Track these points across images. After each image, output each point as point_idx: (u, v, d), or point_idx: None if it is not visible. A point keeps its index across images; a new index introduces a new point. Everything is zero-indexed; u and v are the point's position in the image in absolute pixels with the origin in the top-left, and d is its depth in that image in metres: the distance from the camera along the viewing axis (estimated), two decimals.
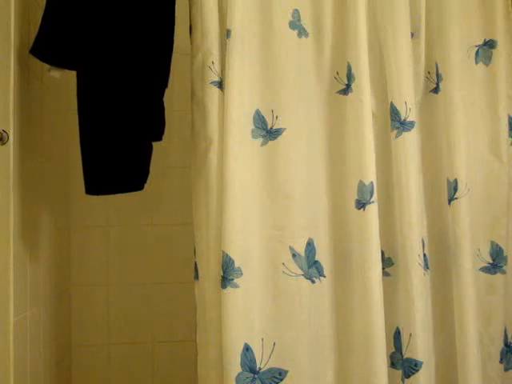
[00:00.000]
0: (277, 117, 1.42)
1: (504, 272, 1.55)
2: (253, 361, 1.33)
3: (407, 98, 1.46)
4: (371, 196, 1.41)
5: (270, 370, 1.35)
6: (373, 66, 1.48)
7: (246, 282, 1.33)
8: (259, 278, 1.37)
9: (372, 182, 1.41)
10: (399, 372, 1.44)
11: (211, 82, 1.39)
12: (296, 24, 1.45)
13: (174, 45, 1.45)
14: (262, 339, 1.35)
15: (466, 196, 1.49)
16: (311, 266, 1.41)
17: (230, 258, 1.32)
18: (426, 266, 1.47)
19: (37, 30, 1.30)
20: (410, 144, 1.46)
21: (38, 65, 1.52)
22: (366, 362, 1.37)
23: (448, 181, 1.50)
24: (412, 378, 1.40)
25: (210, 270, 1.38)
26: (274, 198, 1.40)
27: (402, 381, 1.42)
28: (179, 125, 1.95)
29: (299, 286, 1.39)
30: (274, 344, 1.36)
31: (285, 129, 1.42)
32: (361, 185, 1.42)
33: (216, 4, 1.41)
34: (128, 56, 1.35)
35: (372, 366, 1.36)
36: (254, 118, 1.41)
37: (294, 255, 1.39)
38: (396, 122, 1.46)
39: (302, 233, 1.42)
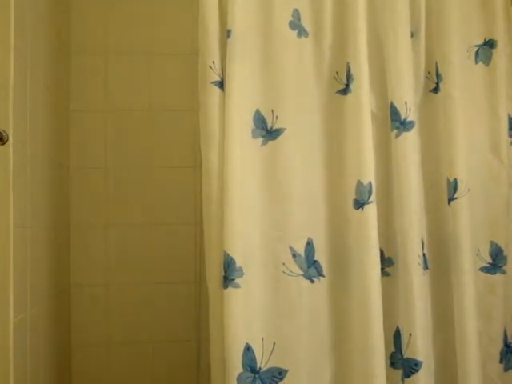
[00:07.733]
0: (277, 117, 1.42)
1: (504, 272, 1.55)
2: (253, 361, 1.33)
3: (407, 97, 1.46)
4: (369, 196, 1.40)
5: (270, 370, 1.35)
6: (373, 66, 1.48)
7: (247, 281, 1.33)
8: (260, 277, 1.37)
9: (370, 182, 1.41)
10: (399, 372, 1.44)
11: (212, 82, 1.39)
12: (296, 24, 1.45)
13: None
14: (263, 339, 1.35)
15: (466, 196, 1.49)
16: (310, 266, 1.41)
17: (232, 258, 1.32)
18: (426, 266, 1.47)
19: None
20: (410, 144, 1.46)
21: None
22: (365, 361, 1.37)
23: (448, 180, 1.50)
24: (412, 377, 1.40)
25: (212, 269, 1.38)
26: (274, 198, 1.40)
27: (402, 381, 1.42)
28: (179, 124, 1.95)
29: (299, 286, 1.39)
30: (274, 344, 1.36)
31: (285, 129, 1.42)
32: (359, 185, 1.42)
33: (216, 4, 1.41)
34: None
35: (370, 365, 1.37)
36: (254, 117, 1.41)
37: (294, 255, 1.39)
38: (396, 121, 1.46)
39: (302, 233, 1.42)
